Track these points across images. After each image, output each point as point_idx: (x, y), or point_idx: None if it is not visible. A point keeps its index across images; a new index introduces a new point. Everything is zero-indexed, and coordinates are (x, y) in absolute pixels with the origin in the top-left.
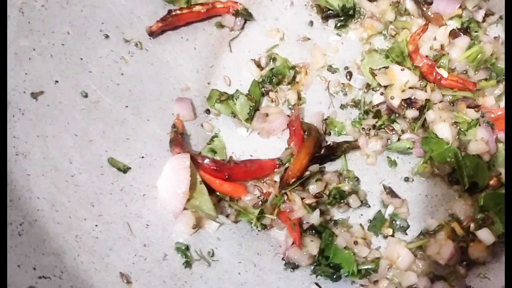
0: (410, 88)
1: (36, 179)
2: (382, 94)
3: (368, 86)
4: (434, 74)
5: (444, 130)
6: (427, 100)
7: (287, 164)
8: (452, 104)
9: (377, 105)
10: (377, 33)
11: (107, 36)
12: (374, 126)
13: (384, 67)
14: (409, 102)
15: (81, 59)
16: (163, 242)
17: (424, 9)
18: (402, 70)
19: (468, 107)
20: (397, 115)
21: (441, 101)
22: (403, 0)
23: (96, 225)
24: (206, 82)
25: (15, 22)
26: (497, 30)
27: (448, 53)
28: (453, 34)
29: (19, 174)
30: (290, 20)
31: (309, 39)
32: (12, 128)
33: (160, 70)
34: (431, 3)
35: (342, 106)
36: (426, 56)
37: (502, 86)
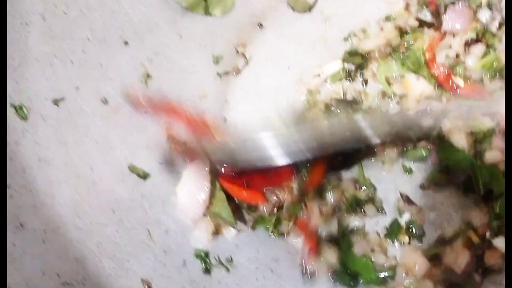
0: (426, 98)
1: (58, 185)
2: (398, 103)
3: (384, 94)
4: (451, 82)
5: (460, 139)
6: (443, 110)
7: (303, 170)
8: (467, 113)
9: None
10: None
11: (126, 43)
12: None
13: (400, 76)
14: (424, 112)
15: (101, 65)
16: (183, 249)
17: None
18: (418, 79)
19: (484, 115)
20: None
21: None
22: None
23: (117, 231)
24: (223, 89)
25: (37, 28)
26: None
27: (463, 62)
28: (468, 43)
29: (42, 180)
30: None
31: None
32: (35, 134)
33: (179, 77)
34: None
35: None
36: (443, 64)
37: None
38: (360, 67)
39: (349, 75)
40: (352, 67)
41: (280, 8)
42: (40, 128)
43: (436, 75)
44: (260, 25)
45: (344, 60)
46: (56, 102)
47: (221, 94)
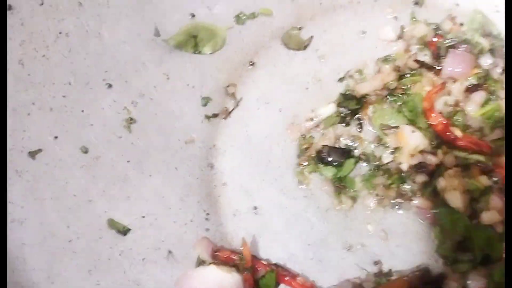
0: (421, 152)
1: (31, 248)
2: (392, 153)
3: (379, 139)
4: (449, 133)
5: (455, 199)
6: (438, 165)
7: None
8: (464, 169)
9: (387, 163)
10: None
11: (110, 86)
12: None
13: (395, 127)
14: (419, 167)
15: (82, 111)
16: None
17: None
18: (413, 132)
19: (482, 173)
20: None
21: (453, 166)
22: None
23: None
24: (211, 133)
25: (14, 75)
26: None
27: (463, 110)
28: (469, 90)
29: (14, 243)
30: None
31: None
32: (9, 192)
33: (164, 121)
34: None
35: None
36: (441, 113)
37: None
38: (355, 111)
39: (343, 120)
40: (346, 111)
41: (273, 45)
42: (15, 186)
43: (433, 124)
44: (252, 64)
45: (338, 104)
46: (32, 155)
47: (209, 138)
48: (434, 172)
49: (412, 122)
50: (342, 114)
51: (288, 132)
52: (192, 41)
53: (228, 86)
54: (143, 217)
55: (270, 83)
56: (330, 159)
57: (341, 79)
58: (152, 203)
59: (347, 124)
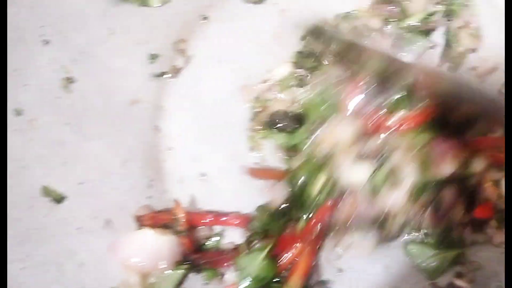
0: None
1: None
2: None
3: None
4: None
5: (410, 173)
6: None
7: None
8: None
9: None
10: None
11: (47, 42)
12: None
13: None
14: (364, 157)
15: (16, 70)
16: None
17: None
18: (338, 126)
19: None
20: None
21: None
22: None
23: (24, 268)
24: (158, 93)
25: None
26: None
27: None
28: None
29: None
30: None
31: None
32: None
33: (107, 80)
34: None
35: None
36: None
37: None
38: (313, 70)
39: (300, 82)
40: (303, 71)
41: None
42: None
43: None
44: (205, 18)
45: (295, 63)
46: None
47: (156, 99)
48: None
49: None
50: (298, 76)
51: (241, 94)
52: None
53: (177, 42)
54: (81, 184)
55: (225, 40)
56: (282, 124)
57: (302, 37)
58: (91, 169)
59: (302, 86)
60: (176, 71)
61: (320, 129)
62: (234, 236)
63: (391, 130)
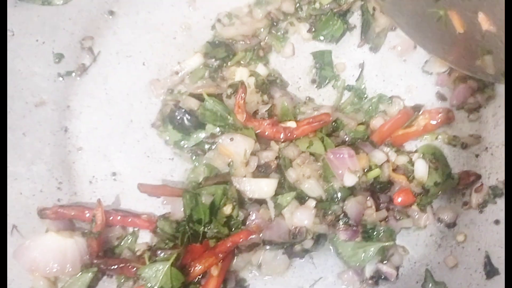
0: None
1: None
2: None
3: None
4: (282, 132)
5: (312, 188)
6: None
7: None
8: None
9: None
10: None
11: None
12: None
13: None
14: (263, 170)
15: None
16: None
17: None
18: (232, 139)
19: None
20: None
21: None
22: None
23: None
24: (65, 93)
25: None
26: None
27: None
28: None
29: None
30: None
31: None
32: None
33: (9, 82)
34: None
35: None
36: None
37: None
38: (225, 61)
39: (212, 73)
40: (214, 62)
41: None
42: None
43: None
44: (111, 13)
45: (205, 54)
46: None
47: (62, 99)
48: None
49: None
50: (210, 66)
51: (152, 88)
52: None
53: (83, 40)
54: None
55: (133, 34)
56: (179, 122)
57: (213, 27)
58: None
59: (215, 78)
60: (83, 69)
61: (220, 138)
62: (147, 237)
63: (284, 139)
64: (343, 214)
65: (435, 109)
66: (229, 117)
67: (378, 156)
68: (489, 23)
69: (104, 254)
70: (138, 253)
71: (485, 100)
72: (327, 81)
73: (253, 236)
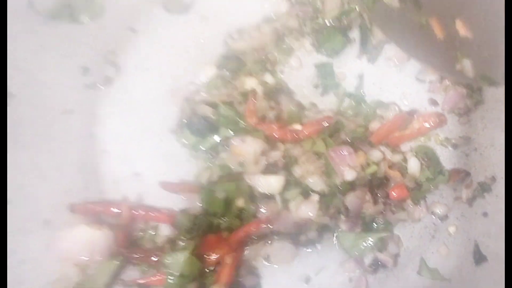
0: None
1: None
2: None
3: None
4: (289, 134)
5: (316, 183)
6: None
7: None
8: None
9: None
10: None
11: None
12: None
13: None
14: (272, 168)
15: None
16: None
17: None
18: (243, 141)
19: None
20: None
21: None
22: None
23: None
24: (91, 102)
25: None
26: None
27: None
28: None
29: None
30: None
31: None
32: None
33: (40, 92)
34: None
35: None
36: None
37: None
38: (236, 72)
39: (226, 83)
40: (227, 72)
41: (154, 9)
42: None
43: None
44: (133, 30)
45: (219, 66)
46: None
47: (89, 107)
48: (288, 166)
49: (238, 131)
50: (223, 77)
51: (171, 97)
52: (68, 9)
53: (108, 54)
54: (20, 188)
55: (151, 49)
56: (196, 128)
57: (224, 41)
58: (28, 174)
59: (227, 88)
60: (108, 81)
61: (232, 140)
62: (168, 231)
63: (291, 140)
64: (344, 207)
65: (428, 113)
66: (240, 121)
67: (375, 154)
68: (465, 29)
69: (129, 245)
70: (159, 245)
71: (474, 104)
72: (329, 89)
73: (263, 226)
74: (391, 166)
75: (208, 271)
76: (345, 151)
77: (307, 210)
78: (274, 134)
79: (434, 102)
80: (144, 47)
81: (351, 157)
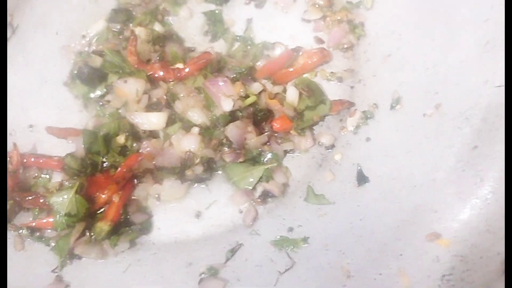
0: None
1: None
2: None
3: None
4: (172, 73)
5: (196, 115)
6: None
7: None
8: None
9: None
10: None
11: None
12: None
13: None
14: (155, 107)
15: None
16: None
17: None
18: (125, 82)
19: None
20: None
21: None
22: None
23: None
24: None
25: None
26: None
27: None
28: None
29: None
30: None
31: None
32: None
33: None
34: None
35: None
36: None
37: None
38: (126, 24)
39: (117, 35)
40: (118, 26)
41: None
42: None
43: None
44: None
45: (109, 19)
46: None
47: None
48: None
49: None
50: (113, 29)
51: (63, 53)
52: None
53: None
54: None
55: (47, 7)
56: (85, 77)
57: None
58: None
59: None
60: None
61: (116, 83)
62: (60, 177)
63: (174, 79)
64: (225, 138)
65: (312, 50)
66: (125, 66)
67: (255, 86)
68: None
69: (22, 191)
70: (51, 190)
71: (356, 39)
72: (218, 35)
73: (144, 160)
74: (272, 97)
75: (99, 212)
76: (220, 80)
77: (189, 143)
78: (157, 74)
79: (319, 41)
80: (40, 6)
81: (226, 85)
